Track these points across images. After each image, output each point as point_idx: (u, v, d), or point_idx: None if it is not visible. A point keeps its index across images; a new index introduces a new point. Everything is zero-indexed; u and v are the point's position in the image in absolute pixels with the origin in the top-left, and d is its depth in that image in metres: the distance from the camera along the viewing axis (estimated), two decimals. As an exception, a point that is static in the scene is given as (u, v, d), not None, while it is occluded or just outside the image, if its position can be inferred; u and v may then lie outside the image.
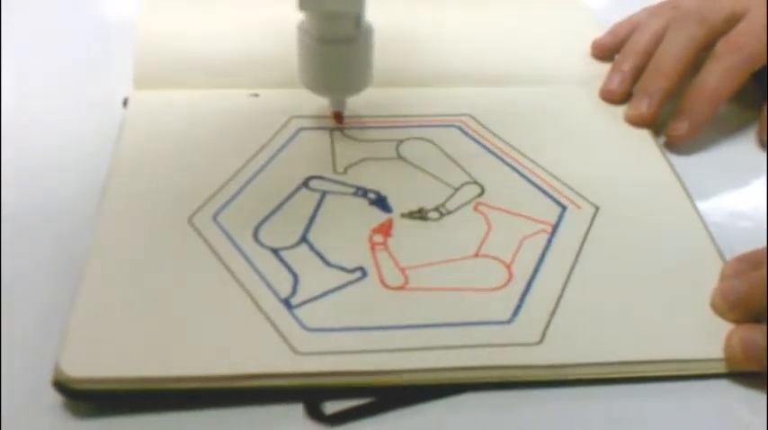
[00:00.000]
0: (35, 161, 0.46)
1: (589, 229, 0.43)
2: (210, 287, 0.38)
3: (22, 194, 0.44)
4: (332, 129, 0.49)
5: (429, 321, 0.37)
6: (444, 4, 0.58)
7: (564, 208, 0.44)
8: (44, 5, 0.60)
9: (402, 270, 0.40)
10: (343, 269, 0.40)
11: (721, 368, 0.37)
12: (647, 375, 0.36)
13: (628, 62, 0.52)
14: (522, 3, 0.59)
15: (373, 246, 0.41)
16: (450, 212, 0.43)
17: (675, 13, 0.52)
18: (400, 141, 0.48)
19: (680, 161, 0.48)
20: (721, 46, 0.50)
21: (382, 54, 0.53)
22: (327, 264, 0.40)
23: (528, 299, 0.39)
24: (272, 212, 0.43)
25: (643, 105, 0.50)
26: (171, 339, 0.36)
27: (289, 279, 0.39)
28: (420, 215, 0.43)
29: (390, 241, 0.41)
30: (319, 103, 0.48)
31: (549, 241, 0.42)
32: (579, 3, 0.61)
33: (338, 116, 0.48)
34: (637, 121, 0.50)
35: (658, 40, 0.52)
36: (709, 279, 0.40)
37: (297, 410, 0.34)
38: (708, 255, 0.42)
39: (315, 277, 0.39)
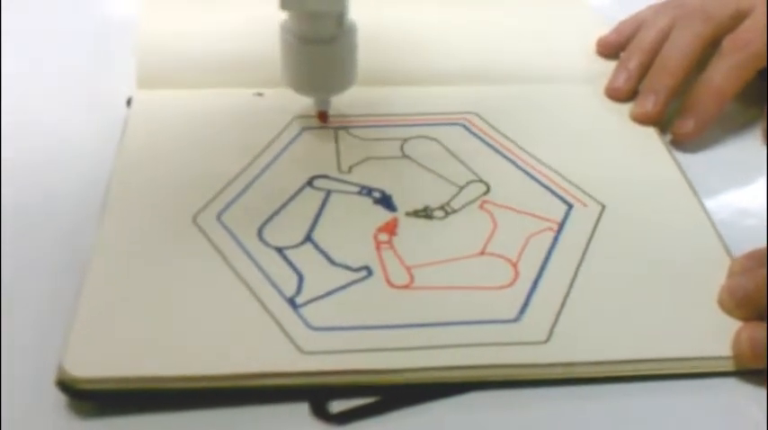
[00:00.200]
0: (39, 161, 0.46)
1: (595, 228, 0.42)
2: (215, 286, 0.38)
3: (25, 194, 0.44)
4: (336, 128, 0.48)
5: (435, 320, 0.37)
6: (449, 3, 0.58)
7: (570, 206, 0.44)
8: (46, 5, 0.60)
9: (407, 269, 0.40)
10: (348, 268, 0.39)
11: (729, 366, 0.36)
12: (655, 373, 0.36)
13: (633, 60, 0.52)
14: (527, 1, 0.59)
15: (378, 245, 0.41)
16: (455, 211, 0.43)
17: (681, 11, 0.52)
18: (405, 140, 0.48)
19: (686, 159, 0.48)
20: (727, 43, 0.50)
21: (387, 53, 0.53)
22: (332, 262, 0.40)
23: (534, 297, 0.38)
24: (277, 211, 0.42)
25: (649, 103, 0.50)
26: (175, 338, 0.35)
27: (293, 278, 0.39)
28: (425, 214, 0.43)
29: (395, 240, 0.41)
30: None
31: (556, 239, 0.41)
32: (584, 1, 0.61)
33: (322, 115, 0.48)
34: (643, 119, 0.50)
35: (664, 38, 0.52)
36: (716, 276, 0.40)
37: (302, 409, 0.34)
38: (715, 252, 0.41)
39: (320, 276, 0.39)
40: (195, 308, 0.37)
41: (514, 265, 0.40)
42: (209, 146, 0.47)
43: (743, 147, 0.50)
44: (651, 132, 0.50)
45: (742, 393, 0.36)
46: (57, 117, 0.50)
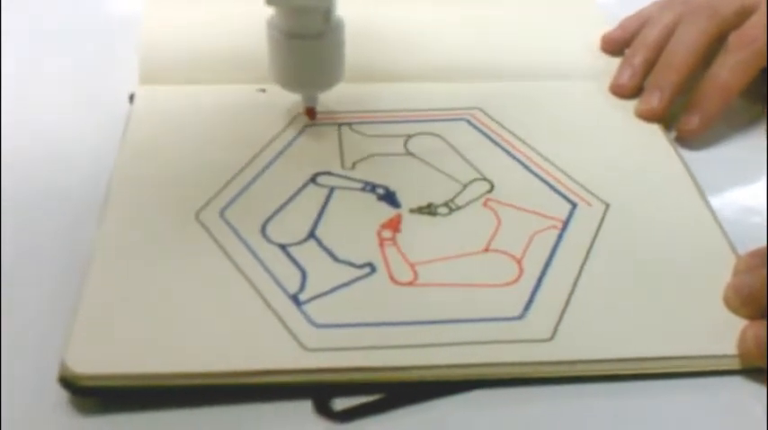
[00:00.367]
0: (41, 157, 0.46)
1: (600, 226, 0.42)
2: (218, 283, 0.38)
3: (27, 190, 0.44)
4: (340, 125, 0.48)
5: (438, 317, 0.37)
6: (454, 0, 0.57)
7: (574, 205, 0.43)
8: (51, 3, 0.59)
9: (411, 265, 0.39)
10: (351, 265, 0.39)
11: (734, 364, 0.36)
12: (660, 372, 0.36)
13: (638, 56, 0.52)
14: None
15: (382, 242, 0.41)
16: (459, 208, 0.43)
17: (686, 7, 0.52)
18: (408, 136, 0.48)
19: (691, 156, 0.48)
20: (733, 40, 0.50)
21: (391, 49, 0.53)
22: (336, 259, 0.39)
23: (539, 295, 0.38)
24: (280, 208, 0.42)
25: (654, 100, 0.50)
26: (177, 335, 0.35)
27: (297, 275, 0.38)
28: (429, 210, 0.43)
29: (399, 236, 0.41)
30: (327, 99, 0.48)
31: (560, 237, 0.41)
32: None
33: (310, 112, 0.48)
34: (648, 116, 0.50)
35: (669, 34, 0.51)
36: (721, 275, 0.39)
37: (305, 407, 0.34)
38: (720, 250, 0.41)
39: (323, 273, 0.39)
40: (198, 304, 0.37)
41: (519, 262, 0.40)
42: (212, 142, 0.46)
43: (748, 145, 0.50)
44: (656, 129, 0.49)
45: (747, 392, 0.36)
46: (59, 113, 0.49)
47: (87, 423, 0.33)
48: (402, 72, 0.52)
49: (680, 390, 0.36)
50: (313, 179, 0.44)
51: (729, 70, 0.49)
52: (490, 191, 0.44)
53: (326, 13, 0.43)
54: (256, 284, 0.38)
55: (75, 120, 0.49)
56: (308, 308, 0.37)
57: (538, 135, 0.48)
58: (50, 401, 0.34)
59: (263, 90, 0.50)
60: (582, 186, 0.45)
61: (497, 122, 0.49)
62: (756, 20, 0.50)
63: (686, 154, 0.48)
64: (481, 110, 0.50)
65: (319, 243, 0.40)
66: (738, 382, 0.36)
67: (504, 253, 0.40)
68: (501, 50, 0.54)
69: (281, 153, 0.46)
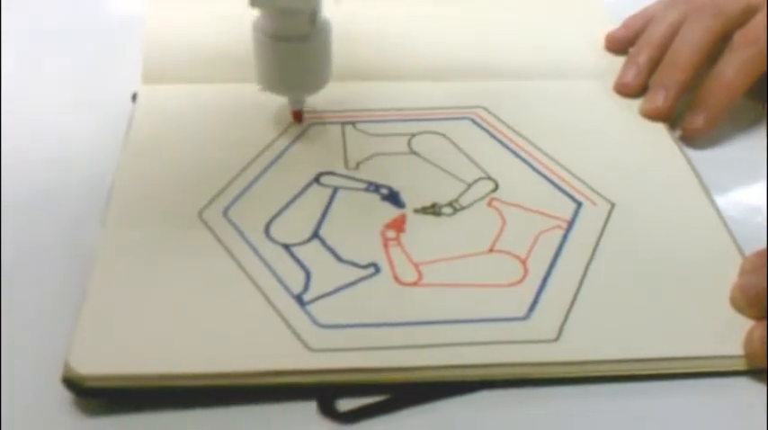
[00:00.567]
0: (43, 157, 0.46)
1: (605, 225, 0.42)
2: (222, 283, 0.38)
3: (30, 190, 0.44)
4: (343, 123, 0.48)
5: (443, 317, 0.37)
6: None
7: (579, 204, 0.43)
8: (53, 2, 0.59)
9: (415, 265, 0.39)
10: (355, 265, 0.39)
11: (741, 365, 0.36)
12: (665, 372, 0.36)
13: (643, 55, 0.52)
14: None
15: (386, 242, 0.40)
16: (463, 208, 0.43)
17: (691, 6, 0.52)
18: (412, 135, 0.48)
19: (696, 155, 0.48)
20: (738, 38, 0.49)
21: (394, 47, 0.53)
22: (340, 259, 0.39)
23: (544, 295, 0.38)
24: (284, 208, 0.42)
25: (659, 98, 0.49)
26: (181, 336, 0.35)
27: (301, 275, 0.38)
28: (433, 210, 0.43)
29: (403, 237, 0.41)
30: (331, 98, 0.48)
31: (565, 237, 0.41)
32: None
33: (297, 115, 0.47)
34: (652, 115, 0.50)
35: (674, 33, 0.51)
36: (727, 274, 0.39)
37: (310, 408, 0.34)
38: (726, 250, 0.41)
39: (327, 273, 0.38)
40: (201, 305, 0.37)
41: (524, 262, 0.40)
42: (215, 141, 0.46)
43: (754, 144, 0.50)
44: (661, 128, 0.49)
45: (754, 392, 0.36)
46: (61, 113, 0.49)
47: (91, 424, 0.33)
48: (406, 70, 0.52)
49: (686, 391, 0.35)
50: (317, 179, 0.44)
51: (734, 69, 0.49)
52: (494, 190, 0.44)
53: (312, 15, 0.43)
54: (260, 285, 0.38)
55: (78, 120, 0.49)
56: (312, 308, 0.37)
57: (542, 134, 0.48)
58: (54, 402, 0.33)
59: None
60: (587, 185, 0.44)
61: (501, 121, 0.49)
62: (762, 18, 0.50)
63: (691, 153, 0.48)
64: (485, 109, 0.50)
65: (323, 243, 0.40)
66: (745, 383, 0.36)
67: (509, 253, 0.40)
68: (505, 49, 0.54)
69: (284, 152, 0.46)
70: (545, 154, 0.47)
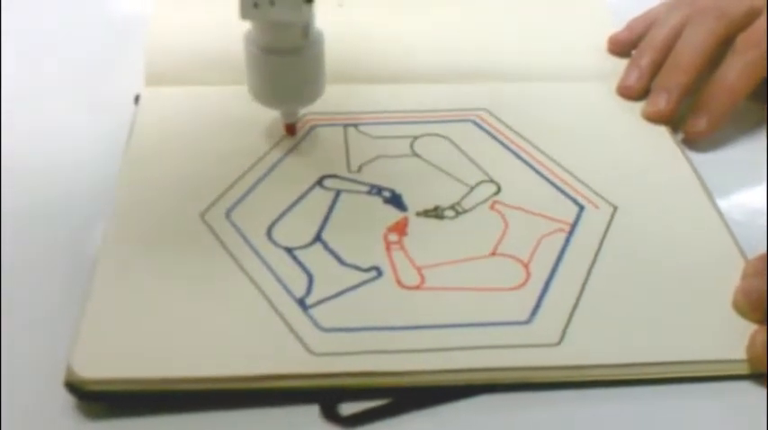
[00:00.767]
0: (47, 158, 0.46)
1: (608, 229, 0.42)
2: (224, 286, 0.38)
3: (32, 192, 0.44)
4: (345, 126, 0.48)
5: (446, 321, 0.37)
6: (460, 1, 0.57)
7: (582, 207, 0.43)
8: (55, 3, 0.59)
9: (418, 269, 0.39)
10: (358, 268, 0.39)
11: (744, 369, 0.36)
12: (668, 376, 0.36)
13: (646, 57, 0.52)
14: None
15: (388, 245, 0.40)
16: (466, 211, 0.43)
17: (694, 8, 0.52)
18: (415, 138, 0.48)
19: (699, 158, 0.47)
20: (741, 41, 0.49)
21: (396, 50, 0.53)
22: (342, 263, 0.39)
23: (546, 299, 0.38)
24: (286, 211, 0.42)
25: (661, 101, 0.49)
26: (184, 339, 0.35)
27: (303, 278, 0.38)
28: (435, 213, 0.43)
29: (406, 240, 0.41)
30: (333, 100, 0.48)
31: (568, 240, 0.41)
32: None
33: (290, 128, 0.47)
34: (655, 118, 0.50)
35: (677, 35, 0.51)
36: (730, 278, 0.39)
37: (313, 411, 0.34)
38: (729, 253, 0.41)
39: (330, 277, 0.38)
40: (204, 308, 0.37)
41: (526, 266, 0.40)
42: (217, 143, 0.46)
43: (756, 147, 0.50)
44: (663, 131, 0.49)
45: (756, 396, 0.35)
46: (64, 114, 0.49)
47: (93, 427, 0.33)
48: (409, 73, 0.52)
49: (688, 395, 0.35)
50: (319, 182, 0.44)
51: (737, 72, 0.49)
52: (497, 193, 0.44)
53: (305, 28, 0.42)
54: (262, 288, 0.38)
55: (81, 122, 0.49)
56: (314, 312, 0.37)
57: (544, 136, 0.48)
58: (56, 406, 0.33)
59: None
60: (589, 188, 0.44)
61: (504, 124, 0.49)
62: (764, 21, 0.49)
63: (694, 156, 0.48)
64: (488, 111, 0.50)
65: (325, 246, 0.40)
66: (747, 387, 0.36)
67: (512, 257, 0.40)
68: (507, 51, 0.54)
69: (286, 155, 0.46)
70: (547, 156, 0.47)
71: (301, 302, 0.37)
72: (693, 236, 0.42)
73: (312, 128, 0.48)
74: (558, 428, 0.34)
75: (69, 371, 0.33)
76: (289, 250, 0.40)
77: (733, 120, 0.49)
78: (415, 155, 0.47)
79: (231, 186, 0.43)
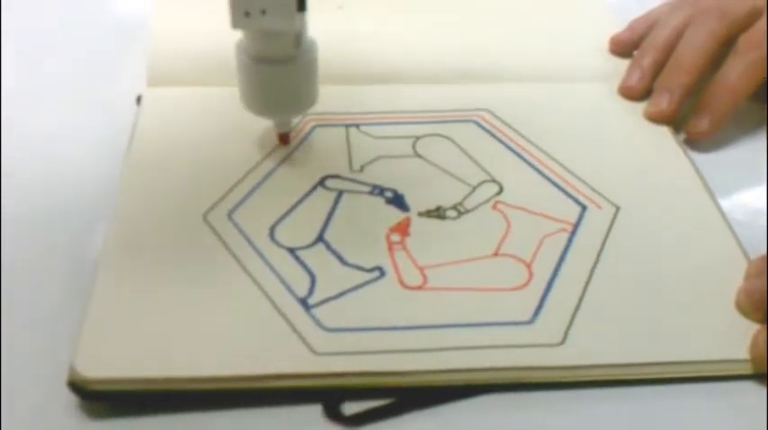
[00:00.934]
0: (47, 160, 0.46)
1: (610, 229, 0.42)
2: (227, 286, 0.38)
3: (34, 193, 0.44)
4: (347, 126, 0.48)
5: (448, 321, 0.37)
6: (462, 2, 0.57)
7: (584, 207, 0.43)
8: (57, 4, 0.59)
9: (420, 269, 0.39)
10: (360, 268, 0.39)
11: (747, 369, 0.36)
12: (671, 376, 0.36)
13: (647, 58, 0.52)
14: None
15: (391, 246, 0.40)
16: (468, 211, 0.43)
17: (696, 9, 0.52)
18: (417, 138, 0.48)
19: (701, 158, 0.47)
20: (743, 41, 0.49)
21: (398, 50, 0.53)
22: (345, 263, 0.39)
23: (549, 299, 0.38)
24: (288, 211, 0.42)
25: (663, 101, 0.49)
26: (186, 339, 0.35)
27: (306, 278, 0.38)
28: (438, 214, 0.43)
29: (408, 240, 0.41)
30: (335, 101, 0.48)
31: (570, 240, 0.41)
32: (597, -2, 0.61)
33: (283, 138, 0.46)
34: (657, 118, 0.50)
35: (678, 36, 0.51)
36: (733, 278, 0.39)
37: (315, 411, 0.34)
38: (732, 253, 0.41)
39: (332, 277, 0.38)
40: (206, 308, 0.37)
41: (528, 266, 0.40)
42: (219, 144, 0.46)
43: (758, 147, 0.50)
44: (665, 131, 0.49)
45: (759, 396, 0.35)
46: (66, 115, 0.49)
47: (96, 427, 0.33)
48: (410, 73, 0.52)
49: (691, 395, 0.35)
50: (321, 182, 0.44)
51: (739, 72, 0.49)
52: (499, 193, 0.44)
53: (298, 37, 0.41)
54: (265, 288, 0.38)
55: (82, 122, 0.49)
56: (317, 312, 0.37)
57: (546, 137, 0.48)
58: (60, 405, 0.34)
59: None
60: (591, 188, 0.44)
61: (506, 124, 0.49)
62: (766, 22, 0.50)
63: (695, 156, 0.48)
64: (489, 111, 0.50)
65: (328, 247, 0.40)
66: (750, 387, 0.36)
67: (514, 257, 0.40)
68: (509, 52, 0.54)
69: (288, 155, 0.46)
70: (549, 157, 0.47)
71: (304, 302, 0.37)
72: (696, 236, 0.42)
73: (314, 128, 0.48)
74: (562, 428, 0.34)
75: (72, 370, 0.33)
76: (291, 250, 0.40)
77: (734, 120, 0.49)
78: (417, 155, 0.47)
79: (233, 187, 0.43)
